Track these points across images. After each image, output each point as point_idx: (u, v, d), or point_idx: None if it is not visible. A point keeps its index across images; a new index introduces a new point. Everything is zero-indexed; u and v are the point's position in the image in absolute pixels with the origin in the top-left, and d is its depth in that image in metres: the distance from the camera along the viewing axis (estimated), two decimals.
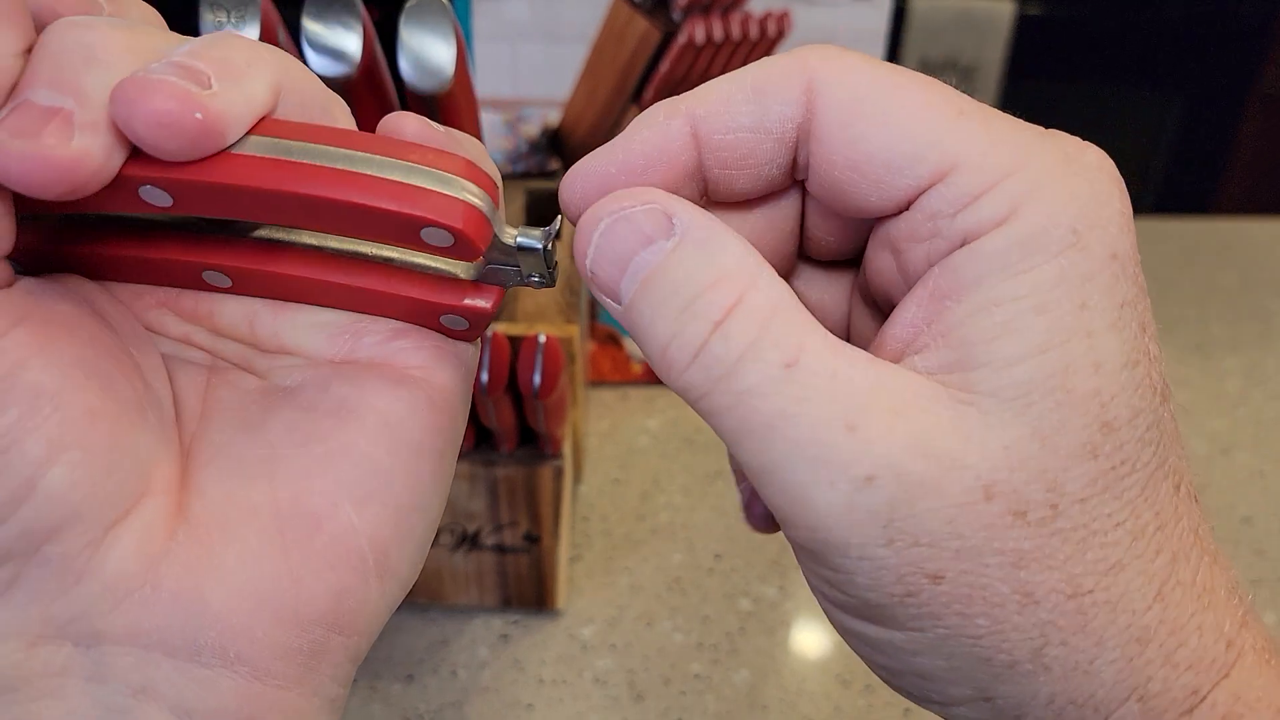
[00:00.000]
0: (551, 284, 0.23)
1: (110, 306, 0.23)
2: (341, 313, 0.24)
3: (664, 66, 0.51)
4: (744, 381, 0.18)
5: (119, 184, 0.19)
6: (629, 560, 0.52)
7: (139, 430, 0.20)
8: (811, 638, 0.48)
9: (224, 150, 0.19)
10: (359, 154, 0.20)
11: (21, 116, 0.18)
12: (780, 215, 0.22)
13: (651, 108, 0.21)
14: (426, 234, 0.20)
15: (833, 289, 0.24)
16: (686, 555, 0.52)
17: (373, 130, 0.22)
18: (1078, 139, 0.20)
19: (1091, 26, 1.27)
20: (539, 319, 0.46)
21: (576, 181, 0.21)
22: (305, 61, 0.31)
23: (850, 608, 0.19)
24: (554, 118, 0.54)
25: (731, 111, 0.20)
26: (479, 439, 0.44)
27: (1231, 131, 1.40)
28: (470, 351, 0.25)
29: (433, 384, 0.23)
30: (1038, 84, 1.26)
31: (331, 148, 0.20)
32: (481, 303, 0.23)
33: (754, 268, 0.19)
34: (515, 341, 0.41)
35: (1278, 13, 1.35)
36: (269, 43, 0.29)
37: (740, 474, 0.27)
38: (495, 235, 0.22)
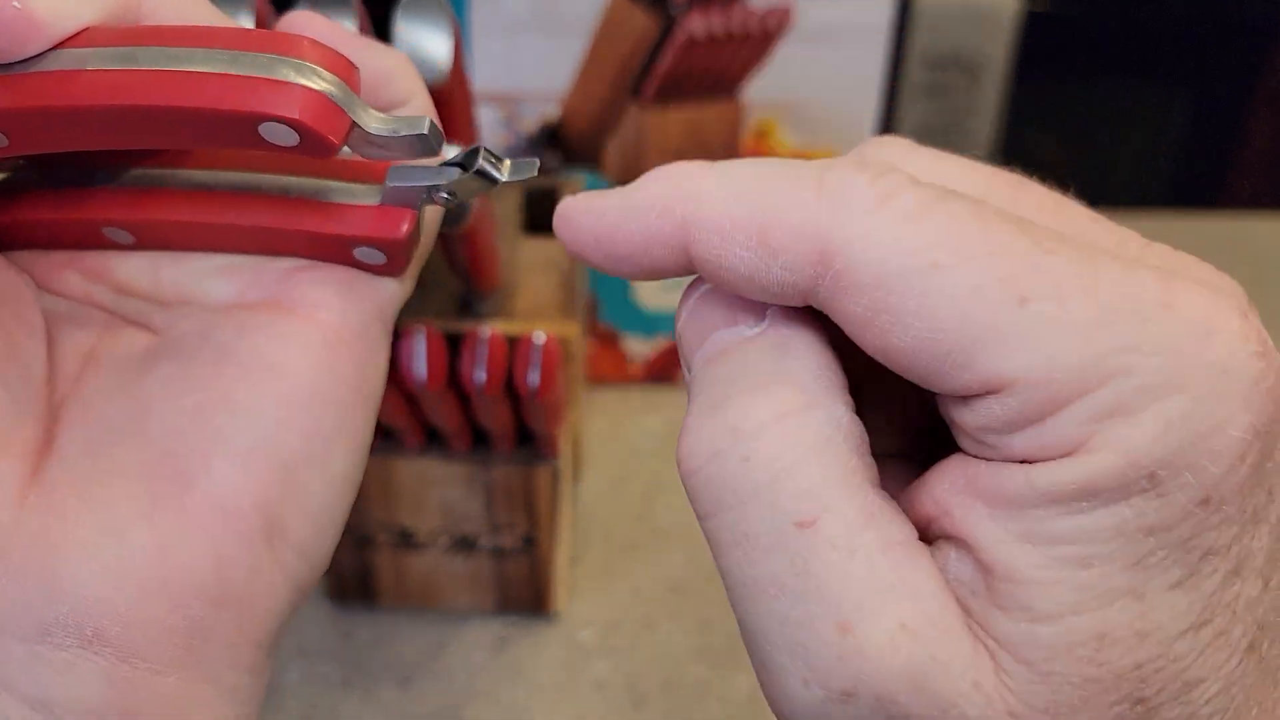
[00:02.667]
0: (463, 200, 0.20)
1: None
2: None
3: (663, 61, 0.51)
4: (749, 525, 0.16)
5: None
6: (629, 563, 0.51)
7: None
8: None
9: (44, 71, 0.17)
10: (186, 51, 0.17)
11: None
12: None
13: (650, 185, 0.17)
14: (266, 131, 0.17)
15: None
16: (687, 558, 0.51)
17: None
18: (1211, 301, 0.15)
19: (1097, 21, 1.27)
20: (537, 317, 0.45)
21: (565, 226, 0.18)
22: None
23: None
24: (552, 112, 0.53)
25: (727, 252, 0.16)
26: (475, 440, 0.44)
27: (1239, 127, 1.40)
28: (386, 288, 0.22)
29: (330, 322, 0.21)
30: (1043, 79, 1.25)
31: (161, 48, 0.17)
32: (391, 229, 0.20)
33: (822, 389, 0.16)
34: (512, 340, 0.40)
35: None
36: None
37: None
38: (356, 125, 0.18)
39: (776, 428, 0.16)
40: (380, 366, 0.22)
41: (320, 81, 0.17)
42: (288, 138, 0.18)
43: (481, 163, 0.19)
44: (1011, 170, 0.18)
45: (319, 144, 0.18)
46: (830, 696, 0.15)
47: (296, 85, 0.17)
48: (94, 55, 0.17)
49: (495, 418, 0.41)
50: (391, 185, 0.20)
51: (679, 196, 0.17)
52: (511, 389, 0.40)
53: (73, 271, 0.22)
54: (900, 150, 0.18)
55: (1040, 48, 1.21)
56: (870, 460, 0.16)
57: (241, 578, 0.19)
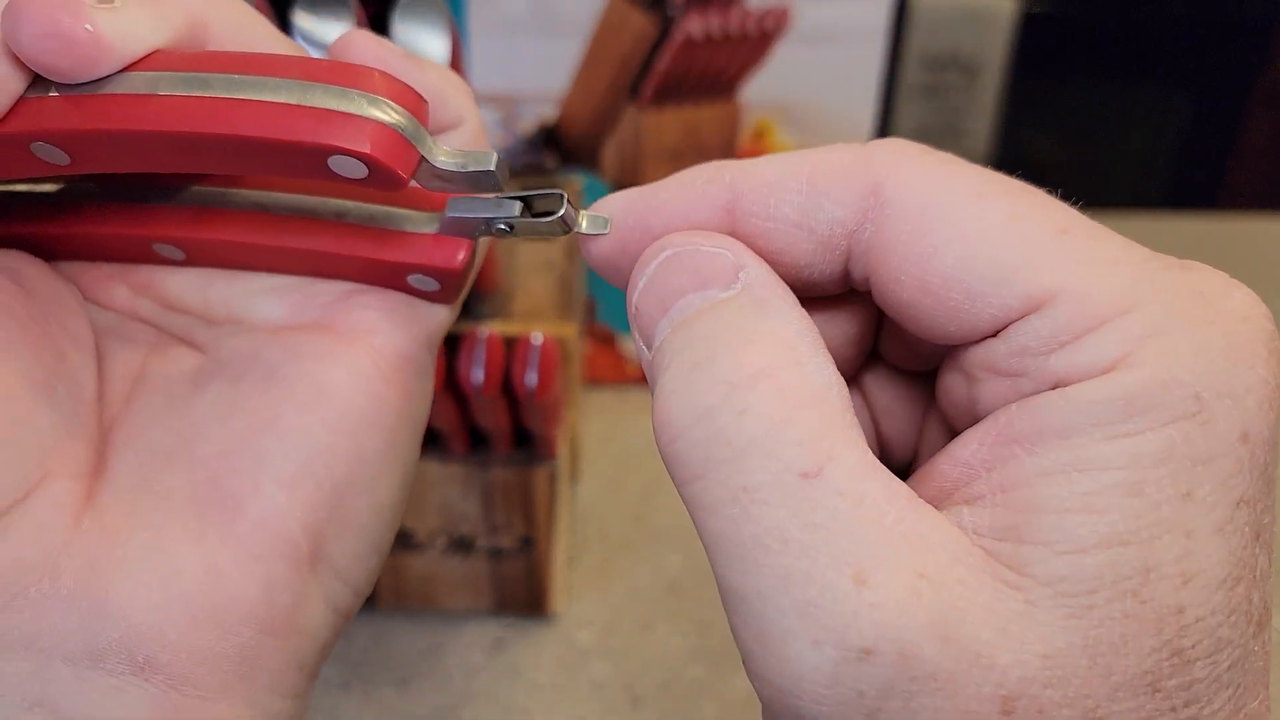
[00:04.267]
0: (521, 235, 0.20)
1: (39, 279, 0.21)
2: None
3: (661, 61, 0.51)
4: (748, 476, 0.15)
5: (10, 144, 0.17)
6: (626, 564, 0.51)
7: (41, 408, 0.18)
8: None
9: (112, 94, 0.17)
10: (256, 79, 0.17)
11: None
12: (834, 321, 0.19)
13: (696, 167, 0.18)
14: (336, 164, 0.17)
15: (906, 396, 0.21)
16: (685, 558, 0.51)
17: None
18: (1222, 275, 0.16)
19: (1095, 22, 1.27)
20: (534, 318, 0.45)
21: (613, 208, 0.19)
22: None
23: None
24: (550, 113, 0.53)
25: (777, 198, 0.17)
26: (473, 441, 0.44)
27: (1237, 128, 1.40)
28: (436, 315, 0.22)
29: (380, 348, 0.20)
30: (1041, 80, 1.25)
31: (231, 75, 0.17)
32: (447, 258, 0.20)
33: (807, 346, 0.16)
34: (510, 341, 0.40)
35: None
36: None
37: None
38: (425, 160, 0.18)
39: (771, 380, 0.15)
40: (426, 393, 0.22)
41: (391, 115, 0.17)
42: (357, 170, 0.18)
43: (566, 210, 0.19)
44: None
45: (388, 178, 0.18)
46: (846, 656, 0.14)
47: (368, 119, 0.17)
48: (164, 80, 0.17)
49: (493, 418, 0.41)
50: (451, 215, 0.20)
51: (727, 166, 0.18)
52: (509, 390, 0.40)
53: (121, 284, 0.22)
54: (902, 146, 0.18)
55: (1038, 48, 1.21)
56: (858, 421, 0.16)
57: (289, 604, 0.19)
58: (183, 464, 0.19)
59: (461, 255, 0.21)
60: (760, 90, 0.52)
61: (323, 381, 0.20)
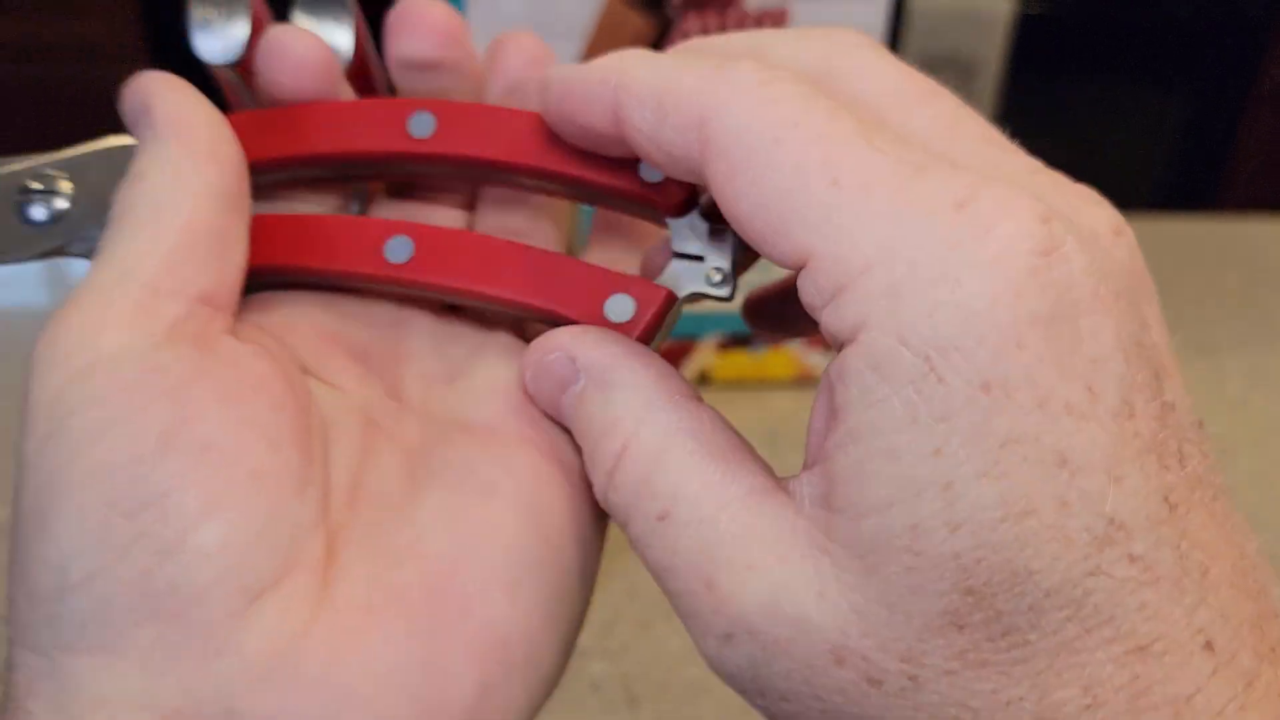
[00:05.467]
0: (729, 296, 0.22)
1: (292, 366, 0.22)
2: (506, 380, 0.23)
3: None
4: (632, 531, 0.19)
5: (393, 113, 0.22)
6: (625, 563, 0.51)
7: (297, 501, 0.19)
8: None
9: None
10: None
11: None
12: None
13: (597, 63, 0.20)
14: (644, 170, 0.21)
15: None
16: None
17: None
18: (1005, 202, 0.16)
19: (1092, 23, 1.27)
20: None
21: (545, 89, 0.21)
22: None
23: None
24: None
25: (636, 110, 0.19)
26: None
27: (1233, 129, 1.40)
28: None
29: (579, 468, 0.22)
30: (1038, 81, 1.26)
31: None
32: (653, 298, 0.21)
33: (639, 412, 0.19)
34: None
35: (1279, 10, 1.35)
36: (258, 38, 0.28)
37: None
38: (698, 201, 0.21)
39: (626, 457, 0.19)
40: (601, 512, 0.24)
41: None
42: (652, 175, 0.21)
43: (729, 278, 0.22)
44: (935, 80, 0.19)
45: (676, 193, 0.21)
46: (720, 642, 0.18)
47: None
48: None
49: None
50: (673, 260, 0.22)
51: (615, 69, 0.19)
52: None
53: (358, 365, 0.23)
54: (849, 44, 0.20)
55: (1034, 50, 1.21)
56: (720, 429, 0.19)
57: (500, 705, 0.20)
58: (412, 564, 0.20)
59: (665, 299, 0.22)
60: None
61: (538, 499, 0.21)
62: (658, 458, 0.19)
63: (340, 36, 0.33)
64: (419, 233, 0.23)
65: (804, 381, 0.60)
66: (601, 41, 0.51)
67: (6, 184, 0.23)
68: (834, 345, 0.17)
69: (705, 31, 0.50)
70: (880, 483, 0.16)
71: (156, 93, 0.21)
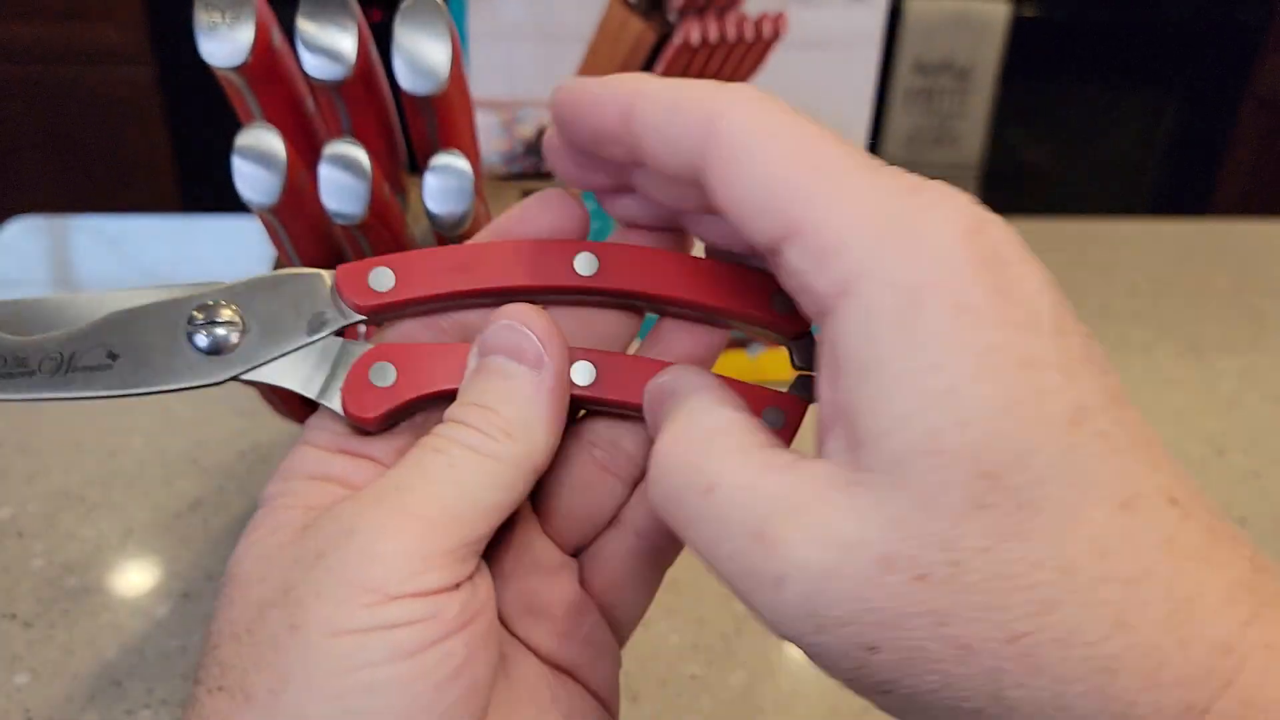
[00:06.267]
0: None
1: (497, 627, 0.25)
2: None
3: (660, 68, 0.51)
4: (680, 511, 0.21)
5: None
6: None
7: None
8: None
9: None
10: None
11: None
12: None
13: (615, 77, 0.23)
14: (775, 298, 0.25)
15: None
16: (682, 557, 0.52)
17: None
18: (935, 185, 0.20)
19: (1086, 28, 1.28)
20: None
21: (560, 96, 0.24)
22: (300, 62, 0.31)
23: (841, 682, 0.20)
24: (549, 119, 0.54)
25: (651, 109, 0.22)
26: None
27: (1226, 133, 1.41)
28: None
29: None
30: (1033, 85, 1.26)
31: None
32: (798, 407, 0.26)
33: (696, 407, 0.22)
34: None
35: (1272, 14, 1.36)
36: (263, 42, 0.29)
37: None
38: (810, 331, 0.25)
39: (674, 448, 0.22)
40: None
41: None
42: (786, 306, 0.24)
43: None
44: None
45: (797, 324, 0.25)
46: (774, 589, 0.19)
47: None
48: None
49: None
50: (797, 378, 0.26)
51: (630, 78, 0.23)
52: None
53: (547, 623, 0.27)
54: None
55: (1029, 54, 1.22)
56: (762, 429, 0.22)
57: None
58: None
59: (803, 408, 0.26)
60: None
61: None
62: (704, 435, 0.21)
63: (344, 42, 0.33)
64: (598, 358, 0.26)
65: None
66: (602, 47, 0.52)
67: (174, 311, 0.24)
68: (815, 311, 0.20)
69: (705, 36, 0.51)
70: (895, 403, 0.19)
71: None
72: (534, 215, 0.26)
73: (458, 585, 0.22)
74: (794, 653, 0.47)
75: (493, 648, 0.23)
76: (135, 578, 0.49)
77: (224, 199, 0.50)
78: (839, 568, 0.19)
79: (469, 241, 0.26)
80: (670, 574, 0.52)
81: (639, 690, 0.46)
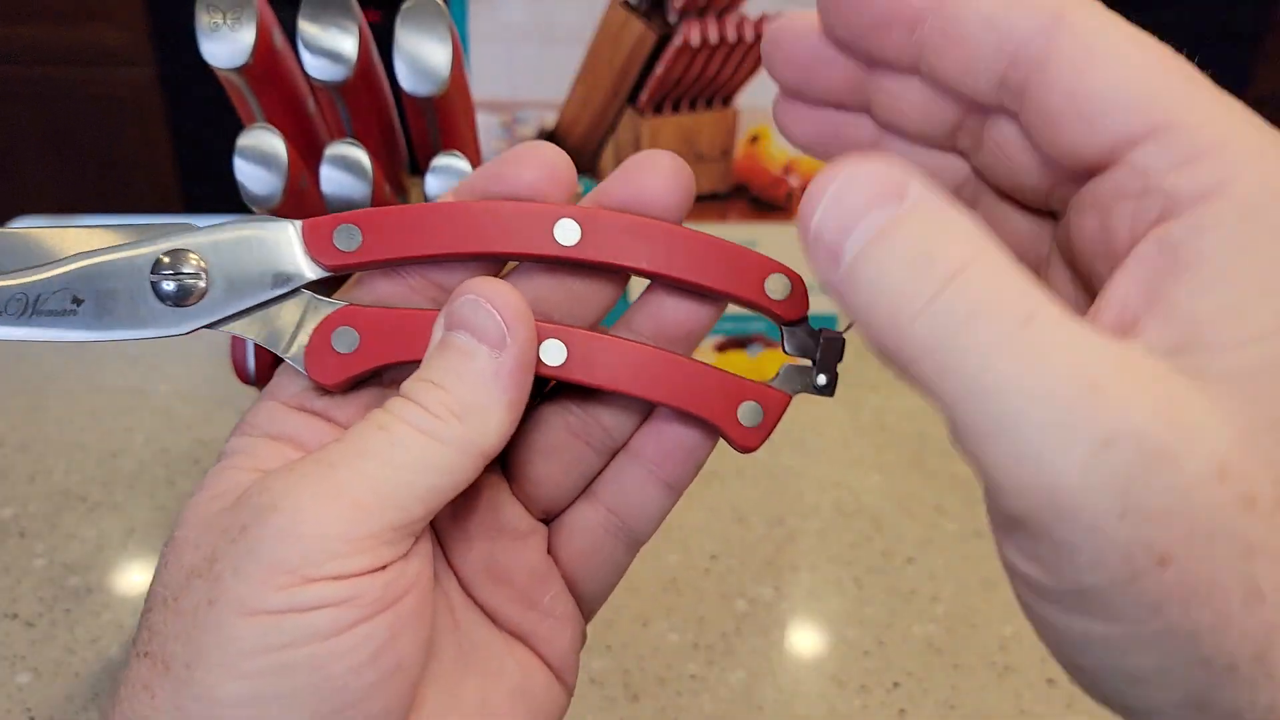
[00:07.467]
0: (831, 394, 0.25)
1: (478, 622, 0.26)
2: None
3: (660, 69, 0.52)
4: (977, 337, 0.17)
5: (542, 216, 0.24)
6: None
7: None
8: (806, 638, 0.48)
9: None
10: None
11: None
12: (948, 161, 0.23)
13: None
14: (770, 284, 0.24)
15: (1026, 236, 0.24)
16: (682, 556, 0.52)
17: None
18: None
19: None
20: None
21: (782, 37, 0.22)
22: (301, 63, 0.31)
23: (1060, 596, 0.18)
24: (550, 120, 0.54)
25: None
26: None
27: None
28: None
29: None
30: None
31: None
32: (778, 400, 0.25)
33: (986, 238, 0.19)
34: None
35: (1271, 16, 1.36)
36: (264, 44, 0.29)
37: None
38: (808, 319, 0.24)
39: (975, 265, 0.18)
40: None
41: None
42: (783, 290, 0.24)
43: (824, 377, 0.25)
44: None
45: (798, 304, 0.24)
46: (1094, 449, 0.17)
47: (785, 268, 0.25)
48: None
49: None
50: (785, 368, 0.25)
51: None
52: None
53: (521, 606, 0.26)
54: None
55: None
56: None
57: None
58: None
59: (785, 403, 0.25)
60: (757, 97, 0.53)
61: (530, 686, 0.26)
62: (1011, 273, 0.18)
63: (345, 44, 0.34)
64: (570, 336, 0.25)
65: None
66: (603, 48, 0.52)
67: (140, 260, 0.24)
68: (1153, 217, 0.19)
69: (705, 38, 0.51)
70: (1259, 315, 0.17)
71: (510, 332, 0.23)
72: (513, 173, 0.24)
73: (384, 567, 0.21)
74: (794, 652, 0.47)
75: (422, 626, 0.22)
76: (137, 577, 0.49)
77: (224, 199, 0.50)
78: (1176, 454, 0.17)
79: (442, 199, 0.25)
80: (670, 574, 0.52)
81: (639, 689, 0.46)
